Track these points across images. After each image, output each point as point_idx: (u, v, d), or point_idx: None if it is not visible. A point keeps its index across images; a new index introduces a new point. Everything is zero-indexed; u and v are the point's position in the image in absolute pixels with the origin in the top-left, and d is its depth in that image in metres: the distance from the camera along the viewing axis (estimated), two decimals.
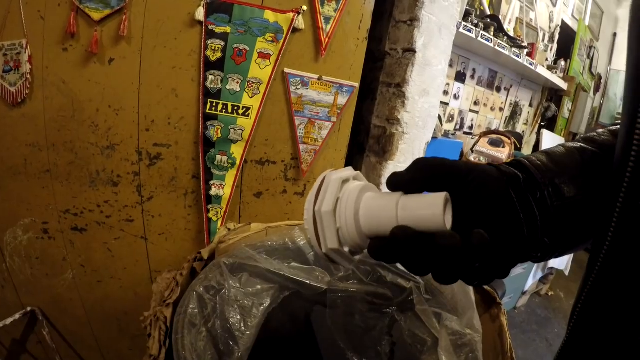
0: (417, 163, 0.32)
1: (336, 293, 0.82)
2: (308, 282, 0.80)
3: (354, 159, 1.04)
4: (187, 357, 0.61)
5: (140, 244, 1.06)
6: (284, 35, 0.95)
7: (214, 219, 1.00)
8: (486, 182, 0.34)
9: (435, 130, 1.22)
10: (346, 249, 0.33)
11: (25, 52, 0.90)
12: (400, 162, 1.07)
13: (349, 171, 0.36)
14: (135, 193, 1.00)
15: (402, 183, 0.31)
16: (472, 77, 2.14)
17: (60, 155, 1.00)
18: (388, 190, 0.33)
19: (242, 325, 0.72)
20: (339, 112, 0.97)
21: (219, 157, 0.96)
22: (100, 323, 1.19)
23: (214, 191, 0.98)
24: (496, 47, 1.87)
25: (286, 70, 0.98)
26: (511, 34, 2.05)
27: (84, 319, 1.19)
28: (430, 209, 0.28)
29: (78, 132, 0.98)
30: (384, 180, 1.08)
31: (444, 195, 0.29)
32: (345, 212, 0.32)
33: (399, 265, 0.76)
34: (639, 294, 0.31)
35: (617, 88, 4.20)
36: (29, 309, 1.22)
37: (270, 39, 0.95)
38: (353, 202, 0.32)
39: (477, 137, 2.06)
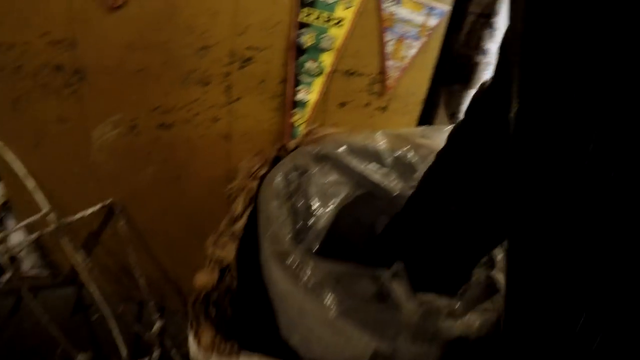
0: None
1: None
2: (382, 184, 0.84)
3: (439, 86, 1.06)
4: (271, 216, 0.62)
5: (222, 143, 1.10)
6: None
7: (297, 123, 1.04)
8: None
9: None
10: None
11: None
12: None
13: None
14: (224, 93, 1.04)
15: None
16: None
17: (155, 55, 1.02)
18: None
19: (322, 207, 0.74)
20: (428, 33, 0.98)
21: (309, 63, 0.98)
22: (173, 219, 1.25)
23: (300, 96, 1.00)
24: None
25: None
26: None
27: (159, 214, 1.26)
28: None
29: (174, 34, 1.00)
30: (463, 108, 1.09)
31: None
32: None
33: None
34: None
35: None
36: (108, 201, 1.32)
37: None
38: None
39: None
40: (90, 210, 1.31)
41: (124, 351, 1.40)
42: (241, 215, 0.66)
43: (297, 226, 0.72)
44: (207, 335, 0.47)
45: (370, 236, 1.00)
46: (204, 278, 0.53)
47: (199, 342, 0.46)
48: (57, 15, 1.00)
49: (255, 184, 0.72)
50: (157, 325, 1.32)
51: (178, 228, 1.27)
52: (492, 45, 1.03)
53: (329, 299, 0.50)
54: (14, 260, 1.67)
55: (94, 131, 1.18)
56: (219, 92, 1.04)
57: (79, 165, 1.26)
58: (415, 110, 1.02)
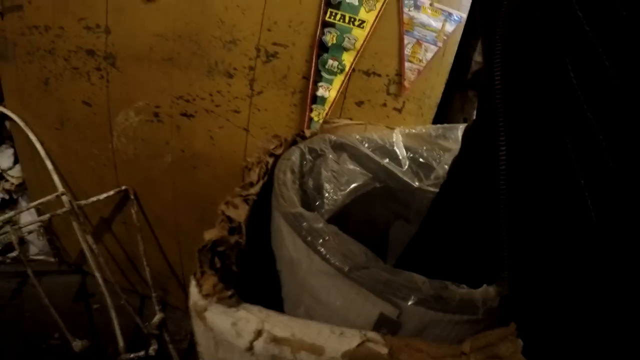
0: None
1: (425, 194, 0.85)
2: (401, 176, 0.84)
3: (453, 91, 1.08)
4: (286, 184, 0.63)
5: (241, 135, 1.11)
6: None
7: (315, 119, 1.04)
8: None
9: None
10: None
11: None
12: None
13: None
14: (247, 86, 1.06)
15: None
16: None
17: (184, 45, 1.06)
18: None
19: (332, 191, 0.74)
20: (445, 38, 1.01)
21: (330, 61, 1.00)
22: (185, 209, 1.25)
23: (320, 92, 1.01)
24: None
25: None
26: None
27: (171, 204, 1.27)
28: None
29: (204, 26, 1.04)
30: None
31: None
32: None
33: None
34: None
35: None
36: (123, 187, 1.34)
37: None
38: None
39: None
40: (104, 195, 1.32)
41: (121, 343, 1.38)
42: (255, 183, 0.67)
43: (308, 203, 0.73)
44: (209, 282, 0.47)
45: (381, 237, 0.99)
46: (213, 233, 0.54)
47: (200, 289, 0.46)
48: (95, 3, 1.06)
49: (272, 160, 0.73)
50: (158, 317, 1.30)
51: (189, 220, 1.28)
52: None
53: (337, 259, 0.49)
54: (23, 242, 1.69)
55: (117, 116, 1.22)
56: (242, 85, 1.07)
57: (99, 149, 1.30)
58: (430, 113, 1.04)
